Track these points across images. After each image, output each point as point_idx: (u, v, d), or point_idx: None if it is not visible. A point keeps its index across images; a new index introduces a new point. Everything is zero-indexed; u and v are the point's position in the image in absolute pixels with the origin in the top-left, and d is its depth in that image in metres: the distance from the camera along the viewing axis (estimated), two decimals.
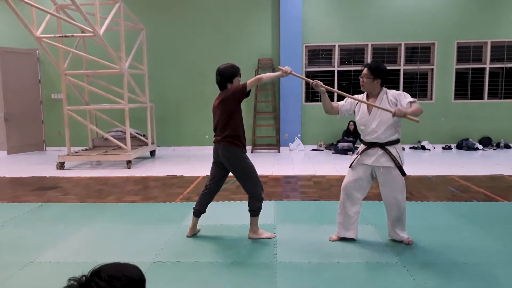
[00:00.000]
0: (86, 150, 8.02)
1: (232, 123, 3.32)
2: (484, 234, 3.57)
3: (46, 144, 9.64)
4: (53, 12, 6.56)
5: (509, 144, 8.93)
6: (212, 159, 3.54)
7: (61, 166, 7.09)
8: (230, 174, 3.53)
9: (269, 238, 3.50)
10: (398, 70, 9.05)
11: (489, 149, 8.81)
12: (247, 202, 3.44)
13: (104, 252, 3.29)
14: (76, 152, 7.60)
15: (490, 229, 3.68)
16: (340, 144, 8.56)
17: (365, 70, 3.22)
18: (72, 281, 1.15)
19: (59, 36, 6.85)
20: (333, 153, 8.56)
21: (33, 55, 9.32)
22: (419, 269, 2.87)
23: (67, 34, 6.84)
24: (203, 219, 3.64)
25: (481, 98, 9.10)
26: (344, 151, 8.38)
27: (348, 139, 8.66)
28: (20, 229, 3.88)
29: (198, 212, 3.56)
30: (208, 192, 3.54)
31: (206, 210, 3.60)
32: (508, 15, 8.77)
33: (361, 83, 3.27)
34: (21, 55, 9.11)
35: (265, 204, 3.80)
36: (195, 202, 3.61)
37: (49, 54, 6.95)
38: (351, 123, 8.82)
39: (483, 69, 9.02)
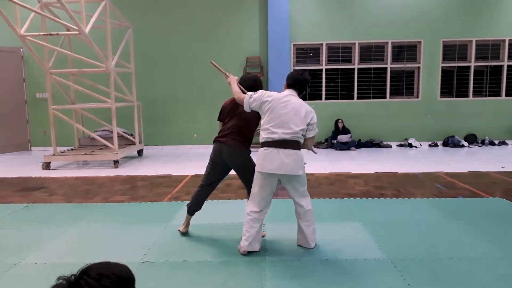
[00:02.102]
0: (72, 150, 7.92)
1: (251, 129, 3.39)
2: (470, 229, 3.62)
3: (31, 144, 9.50)
4: (37, 9, 6.46)
5: (494, 141, 9.10)
6: (207, 158, 3.50)
7: (47, 166, 6.99)
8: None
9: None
10: (385, 69, 9.15)
11: (474, 146, 8.95)
12: (236, 200, 3.43)
13: (91, 253, 3.25)
14: (62, 152, 7.50)
15: (475, 224, 3.74)
16: (339, 137, 8.74)
17: None
18: (61, 280, 1.13)
19: (44, 34, 6.72)
20: (336, 149, 8.75)
21: (17, 54, 9.15)
22: (406, 265, 2.91)
23: (52, 32, 6.72)
24: (192, 218, 3.63)
25: (467, 96, 9.25)
26: (344, 144, 8.63)
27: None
28: (5, 231, 3.81)
29: (193, 211, 3.56)
30: (204, 191, 3.53)
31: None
32: (492, 14, 8.92)
33: None
34: (4, 54, 8.95)
35: None
36: (183, 201, 3.61)
37: (34, 53, 6.84)
38: (340, 120, 8.88)
39: (468, 67, 9.17)
